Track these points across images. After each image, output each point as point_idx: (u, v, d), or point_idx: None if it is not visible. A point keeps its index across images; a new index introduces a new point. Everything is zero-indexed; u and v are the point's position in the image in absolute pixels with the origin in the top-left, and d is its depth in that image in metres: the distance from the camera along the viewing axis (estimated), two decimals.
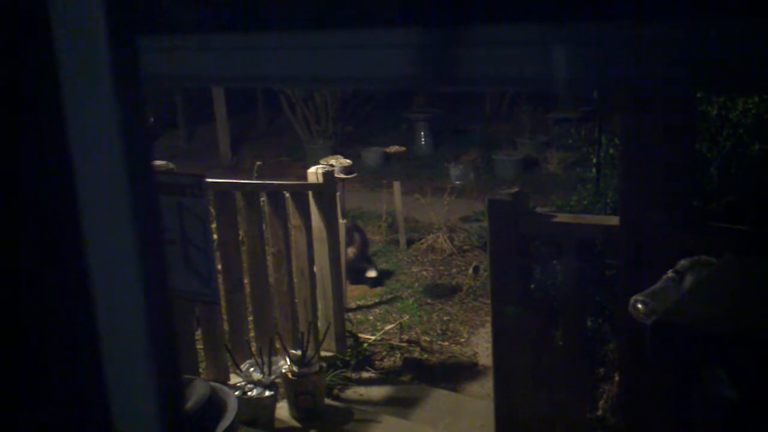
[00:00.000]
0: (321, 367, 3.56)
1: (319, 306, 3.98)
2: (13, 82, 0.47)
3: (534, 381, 2.62)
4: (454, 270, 5.95)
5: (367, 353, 4.35)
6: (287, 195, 3.82)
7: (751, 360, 1.25)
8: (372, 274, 5.70)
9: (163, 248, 0.54)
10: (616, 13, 0.53)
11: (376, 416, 3.53)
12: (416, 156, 9.82)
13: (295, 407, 3.49)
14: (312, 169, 3.89)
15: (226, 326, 3.64)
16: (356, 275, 5.60)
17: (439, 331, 4.84)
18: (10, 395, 0.52)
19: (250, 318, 3.78)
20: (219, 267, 3.38)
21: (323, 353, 3.84)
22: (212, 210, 3.31)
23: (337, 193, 4.19)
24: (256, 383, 3.32)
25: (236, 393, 3.07)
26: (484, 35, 0.57)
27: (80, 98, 0.46)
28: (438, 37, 0.60)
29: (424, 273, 5.94)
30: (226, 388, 2.98)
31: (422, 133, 10.14)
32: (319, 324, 3.94)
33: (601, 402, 3.01)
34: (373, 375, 4.09)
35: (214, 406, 2.72)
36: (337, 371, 3.90)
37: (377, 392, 3.87)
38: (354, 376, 3.99)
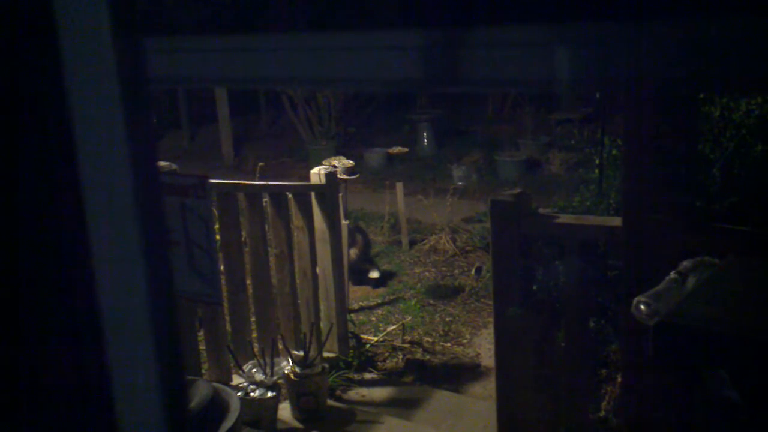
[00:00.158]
0: (323, 368, 3.56)
1: (322, 307, 3.98)
2: (19, 83, 0.47)
3: (536, 382, 2.62)
4: (456, 271, 5.95)
5: (370, 354, 4.35)
6: (290, 196, 3.83)
7: (753, 361, 1.25)
8: (374, 275, 5.70)
9: (168, 249, 0.54)
10: (618, 15, 0.54)
11: (378, 417, 3.53)
12: (419, 157, 9.82)
13: (297, 408, 3.49)
14: (314, 170, 3.89)
15: (228, 327, 3.64)
16: (359, 276, 5.60)
17: (441, 332, 4.84)
18: (15, 395, 0.52)
19: (253, 319, 3.78)
20: (222, 268, 3.39)
21: (326, 354, 3.84)
22: (215, 211, 3.31)
23: (340, 194, 4.19)
24: (259, 384, 3.32)
25: (239, 394, 3.07)
26: (486, 37, 0.57)
27: (85, 99, 0.47)
28: (440, 38, 0.60)
29: (427, 274, 5.93)
30: (228, 389, 2.99)
31: (425, 134, 10.14)
32: (321, 325, 3.94)
33: (604, 403, 3.01)
34: (375, 376, 4.09)
35: (216, 406, 2.73)
36: (340, 372, 3.90)
37: (379, 393, 3.86)
38: (356, 377, 3.99)
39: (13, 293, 0.50)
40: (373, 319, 5.07)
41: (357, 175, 5.92)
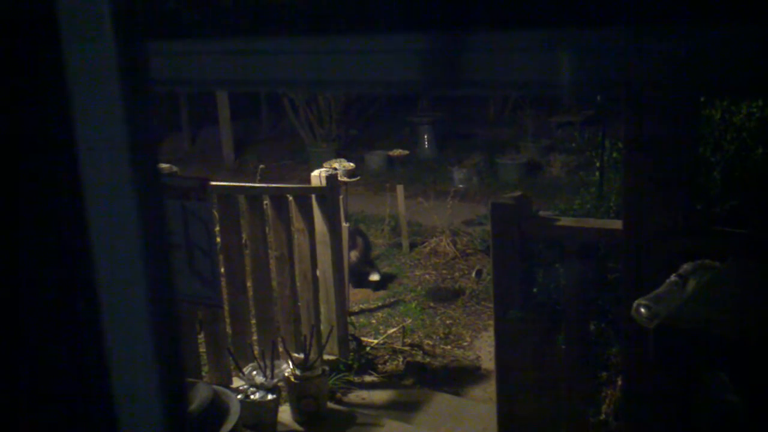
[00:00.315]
0: (324, 371, 3.56)
1: (322, 309, 3.98)
2: (22, 85, 0.47)
3: (537, 385, 2.62)
4: (456, 273, 5.95)
5: (370, 357, 4.35)
6: (290, 198, 3.83)
7: (753, 364, 1.25)
8: (375, 277, 5.69)
9: (169, 252, 0.55)
10: (620, 18, 0.54)
11: (378, 420, 3.53)
12: (419, 159, 9.83)
13: (297, 411, 3.49)
14: (315, 173, 3.89)
15: (228, 329, 3.64)
16: (359, 279, 5.60)
17: (441, 335, 4.84)
18: (17, 397, 0.52)
19: (253, 321, 3.78)
20: (222, 270, 3.39)
21: (326, 357, 3.84)
22: (216, 213, 3.31)
23: (340, 197, 4.19)
24: (259, 387, 3.32)
25: (239, 396, 3.07)
26: (487, 40, 0.57)
27: (87, 102, 0.47)
28: (442, 41, 0.60)
29: (427, 276, 5.93)
30: (228, 392, 2.99)
31: (426, 137, 10.15)
32: (321, 327, 3.94)
33: (604, 406, 3.01)
34: (375, 379, 4.09)
35: (216, 409, 2.73)
36: (340, 375, 3.89)
37: (380, 396, 3.86)
38: (356, 379, 3.99)
39: (14, 295, 0.51)
40: (374, 321, 5.07)
41: (358, 178, 5.92)
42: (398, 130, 10.76)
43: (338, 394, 3.81)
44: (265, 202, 3.72)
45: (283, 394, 3.51)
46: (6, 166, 0.48)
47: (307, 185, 3.97)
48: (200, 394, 2.69)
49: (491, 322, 3.71)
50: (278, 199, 3.71)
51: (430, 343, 4.72)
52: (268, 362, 3.36)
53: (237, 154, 10.41)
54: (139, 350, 0.51)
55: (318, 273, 3.94)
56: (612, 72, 0.54)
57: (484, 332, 4.83)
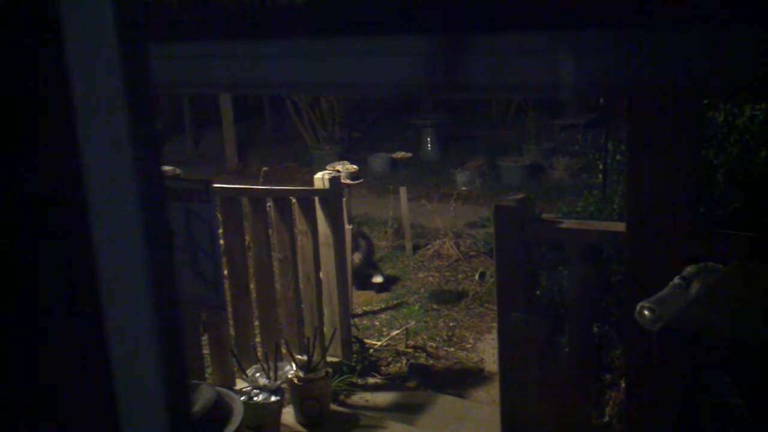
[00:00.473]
0: (327, 373, 3.56)
1: (325, 311, 3.98)
2: (24, 88, 0.48)
3: (540, 387, 2.61)
4: (460, 276, 5.95)
5: (373, 359, 4.35)
6: (293, 201, 3.83)
7: (757, 367, 1.24)
8: (378, 279, 5.69)
9: (172, 254, 0.55)
10: (622, 21, 0.54)
11: (381, 422, 3.52)
12: (423, 162, 9.82)
13: (300, 412, 3.49)
14: (318, 175, 3.90)
15: (232, 331, 3.65)
16: (362, 281, 5.60)
17: (445, 337, 4.84)
18: (19, 400, 0.52)
19: (256, 323, 3.78)
20: (225, 272, 3.39)
21: (329, 359, 3.84)
22: (219, 215, 3.32)
23: (344, 199, 4.20)
24: (262, 388, 3.32)
25: (242, 398, 3.07)
26: (489, 43, 0.57)
27: (90, 104, 0.47)
28: (444, 44, 0.60)
29: (430, 279, 5.93)
30: (232, 393, 2.99)
31: (429, 139, 10.14)
32: (325, 329, 3.94)
33: (608, 408, 3.00)
34: (379, 381, 4.09)
35: (220, 411, 2.73)
36: (343, 377, 3.89)
37: (383, 398, 3.86)
38: (360, 381, 3.99)
39: (15, 296, 0.51)
40: (377, 323, 5.06)
41: (361, 180, 5.92)
42: (401, 133, 10.76)
43: (341, 396, 3.81)
44: (268, 204, 3.72)
45: (287, 395, 3.51)
46: (7, 167, 0.48)
47: (310, 187, 3.97)
48: (203, 395, 2.69)
49: (494, 324, 3.70)
50: (281, 201, 3.71)
51: (434, 345, 4.72)
52: (271, 364, 3.36)
53: (240, 156, 10.42)
54: (141, 352, 0.51)
55: (321, 275, 3.94)
56: (614, 74, 0.55)
57: (488, 334, 4.83)
